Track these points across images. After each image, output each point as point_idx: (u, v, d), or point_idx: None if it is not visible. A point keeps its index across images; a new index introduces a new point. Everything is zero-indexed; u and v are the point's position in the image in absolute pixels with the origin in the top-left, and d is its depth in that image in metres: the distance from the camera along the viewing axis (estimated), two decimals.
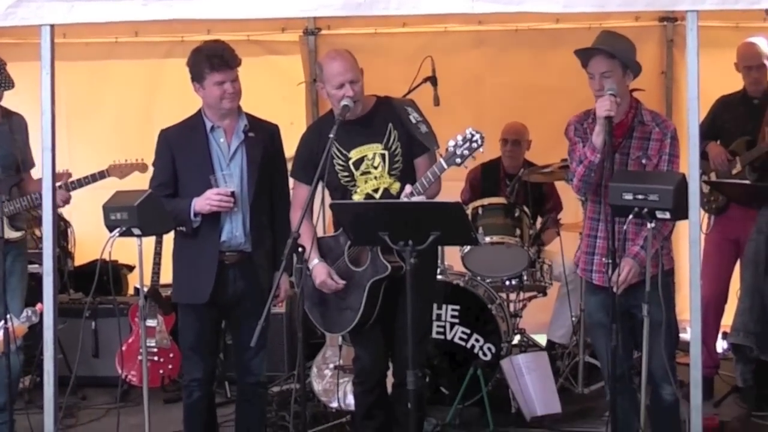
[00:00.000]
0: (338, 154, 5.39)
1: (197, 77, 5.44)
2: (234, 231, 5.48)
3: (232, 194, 5.39)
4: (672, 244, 5.37)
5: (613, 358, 5.10)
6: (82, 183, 6.26)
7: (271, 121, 5.77)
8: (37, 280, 5.83)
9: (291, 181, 5.61)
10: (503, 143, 7.96)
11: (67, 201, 6.03)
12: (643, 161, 5.21)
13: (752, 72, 6.88)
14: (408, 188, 5.12)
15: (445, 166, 5.05)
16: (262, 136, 5.57)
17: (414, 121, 5.32)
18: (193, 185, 5.45)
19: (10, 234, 5.96)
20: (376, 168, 5.38)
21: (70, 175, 6.19)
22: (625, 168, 5.21)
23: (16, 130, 6.17)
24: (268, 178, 5.55)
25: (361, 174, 5.40)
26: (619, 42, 5.28)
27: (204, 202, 5.37)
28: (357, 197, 5.38)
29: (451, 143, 4.99)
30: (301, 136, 5.65)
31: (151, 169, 5.80)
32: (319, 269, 5.37)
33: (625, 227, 4.95)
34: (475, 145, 4.96)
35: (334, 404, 6.69)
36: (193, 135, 5.52)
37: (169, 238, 6.07)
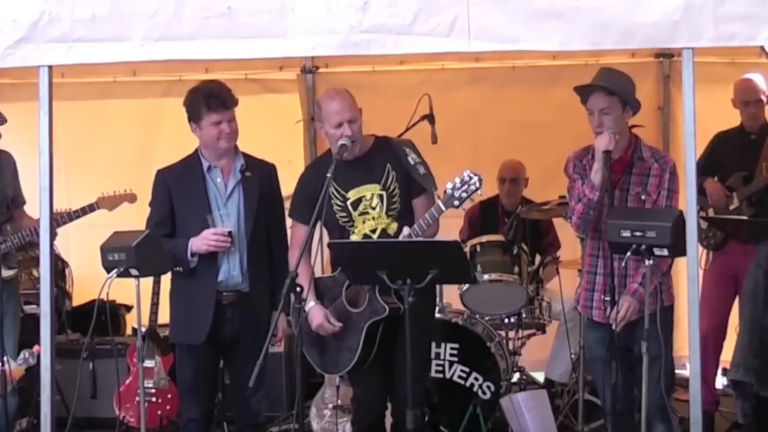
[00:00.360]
0: (336, 194, 5.39)
1: (194, 117, 5.46)
2: (231, 271, 5.47)
3: (230, 234, 5.39)
4: (672, 279, 5.36)
5: (613, 395, 5.10)
6: (72, 217, 6.25)
7: (269, 158, 5.79)
8: (35, 320, 5.80)
9: (289, 220, 5.60)
10: (501, 182, 7.94)
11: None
12: (643, 197, 5.22)
13: (750, 107, 6.90)
14: (406, 230, 5.12)
15: (443, 208, 5.05)
16: (258, 176, 5.57)
17: (412, 162, 5.31)
18: (190, 225, 5.45)
19: (2, 272, 5.93)
20: (374, 208, 5.38)
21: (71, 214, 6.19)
22: (624, 204, 5.22)
23: (4, 167, 6.16)
24: (265, 218, 5.55)
25: (359, 214, 5.39)
26: (619, 78, 5.30)
27: (201, 242, 5.37)
28: (355, 237, 5.37)
29: (449, 186, 4.99)
30: (300, 176, 5.65)
31: (140, 203, 5.76)
32: (315, 312, 5.36)
33: (623, 264, 4.95)
34: (473, 187, 4.97)
35: None
36: (190, 175, 5.53)
37: (166, 278, 6.06)
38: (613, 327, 5.01)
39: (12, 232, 6.08)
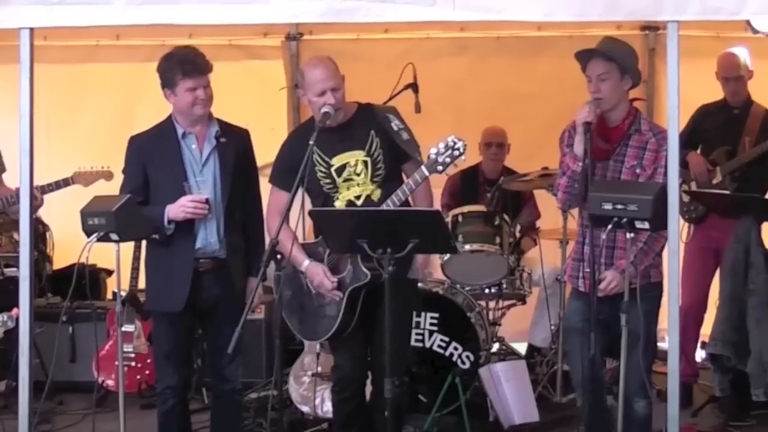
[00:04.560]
0: (320, 160, 5.37)
1: (168, 83, 5.42)
2: (208, 238, 5.44)
3: (207, 201, 5.36)
4: (662, 257, 5.29)
5: (591, 366, 5.11)
6: (45, 190, 6.21)
7: (252, 125, 5.76)
8: (14, 283, 5.77)
9: (269, 186, 5.58)
10: (487, 147, 7.94)
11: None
12: (638, 170, 5.20)
13: (730, 83, 6.92)
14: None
15: (427, 173, 5.05)
16: (233, 142, 5.53)
17: (396, 128, 5.30)
18: (166, 192, 5.41)
19: None
20: (358, 175, 5.36)
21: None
22: (618, 176, 5.22)
23: None
24: (240, 184, 5.51)
25: (344, 181, 5.37)
26: (619, 47, 5.33)
27: (178, 209, 5.32)
28: (339, 204, 5.36)
29: (433, 151, 4.98)
30: (282, 143, 5.62)
31: (117, 178, 5.71)
32: (313, 269, 5.33)
33: (604, 236, 4.93)
34: (456, 152, 4.97)
35: (312, 411, 6.67)
36: (165, 142, 5.48)
37: None
38: (597, 295, 5.01)
39: None
